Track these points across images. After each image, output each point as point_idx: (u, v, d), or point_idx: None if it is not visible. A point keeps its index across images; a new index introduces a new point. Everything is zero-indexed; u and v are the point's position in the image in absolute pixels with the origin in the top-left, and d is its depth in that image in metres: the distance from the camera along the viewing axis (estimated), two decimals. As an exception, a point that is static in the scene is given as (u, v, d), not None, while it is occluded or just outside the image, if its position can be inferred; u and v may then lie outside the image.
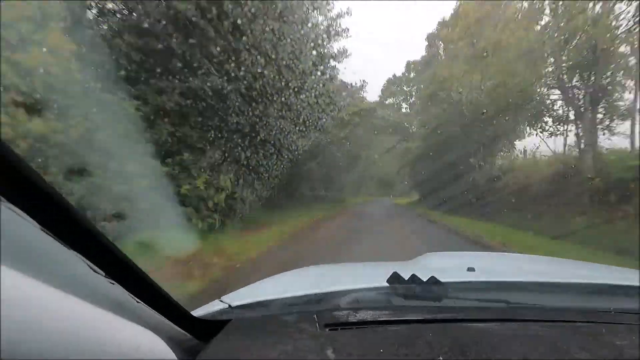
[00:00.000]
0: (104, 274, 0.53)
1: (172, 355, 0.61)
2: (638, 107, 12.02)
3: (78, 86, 5.02)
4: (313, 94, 10.04)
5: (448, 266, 1.74)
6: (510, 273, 1.43)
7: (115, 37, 6.61)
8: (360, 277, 1.38)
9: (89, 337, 0.46)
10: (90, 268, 0.51)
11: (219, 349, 0.68)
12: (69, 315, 0.44)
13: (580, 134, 12.56)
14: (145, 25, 6.69)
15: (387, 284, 1.01)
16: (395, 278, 0.98)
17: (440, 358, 0.63)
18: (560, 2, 12.14)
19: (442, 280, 1.05)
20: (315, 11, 10.35)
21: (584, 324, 0.83)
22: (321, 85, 10.53)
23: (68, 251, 0.48)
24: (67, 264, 0.49)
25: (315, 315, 0.84)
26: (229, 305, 0.89)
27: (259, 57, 8.46)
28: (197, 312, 0.87)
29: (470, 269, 1.16)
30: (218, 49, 7.73)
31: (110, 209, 4.95)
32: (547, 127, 14.74)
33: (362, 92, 23.08)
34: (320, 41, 9.96)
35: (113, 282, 0.55)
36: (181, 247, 5.34)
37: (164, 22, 6.82)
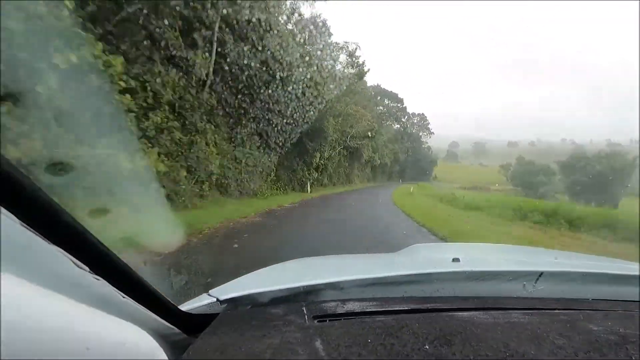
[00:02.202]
0: (88, 269, 0.52)
1: (160, 350, 0.61)
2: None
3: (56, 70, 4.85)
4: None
5: (434, 257, 1.77)
6: (493, 263, 1.46)
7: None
8: (347, 269, 1.39)
9: (73, 333, 0.45)
10: (74, 264, 0.50)
11: (207, 343, 0.68)
12: (52, 312, 0.43)
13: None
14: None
15: (374, 276, 1.02)
16: (382, 270, 1.00)
17: (427, 347, 0.65)
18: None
19: (428, 271, 1.07)
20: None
21: (562, 311, 0.86)
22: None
23: (50, 247, 0.47)
24: (49, 260, 0.47)
25: (303, 308, 0.84)
26: (217, 299, 0.88)
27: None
28: (185, 307, 0.86)
29: (455, 260, 1.19)
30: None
31: (93, 203, 4.84)
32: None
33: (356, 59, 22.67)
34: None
35: (98, 277, 0.54)
36: (166, 240, 5.28)
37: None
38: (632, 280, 1.14)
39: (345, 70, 20.33)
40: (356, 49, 22.01)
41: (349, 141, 27.01)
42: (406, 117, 66.30)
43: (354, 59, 22.75)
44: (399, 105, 63.14)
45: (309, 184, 20.13)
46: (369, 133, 29.25)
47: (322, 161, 22.09)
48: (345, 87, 18.23)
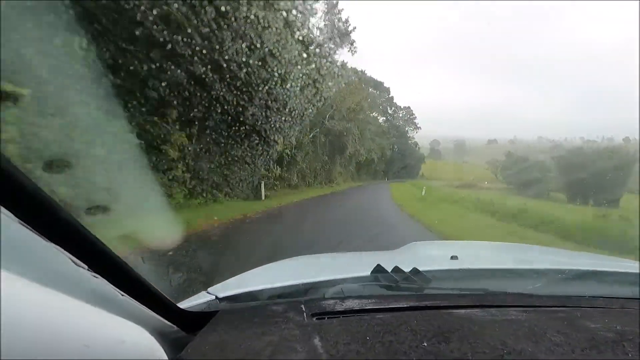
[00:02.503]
0: (86, 267, 0.52)
1: (159, 348, 0.61)
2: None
3: (58, 73, 4.82)
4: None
5: (433, 255, 1.78)
6: (491, 261, 1.47)
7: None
8: (346, 267, 1.39)
9: (71, 331, 0.45)
10: (72, 262, 0.50)
11: (206, 341, 0.68)
12: (51, 310, 0.43)
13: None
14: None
15: (373, 274, 1.02)
16: (380, 268, 1.00)
17: (424, 344, 0.65)
18: None
19: (427, 268, 1.07)
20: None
21: (559, 308, 0.86)
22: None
23: (48, 245, 0.47)
24: (48, 258, 0.47)
25: (302, 305, 0.84)
26: (216, 297, 0.89)
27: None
28: (184, 304, 0.86)
29: (454, 257, 1.19)
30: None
31: (91, 201, 4.82)
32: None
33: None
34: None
35: (97, 275, 0.54)
36: (165, 237, 5.27)
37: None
38: (629, 278, 1.14)
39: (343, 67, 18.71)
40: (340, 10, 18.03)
41: (328, 122, 20.41)
42: (393, 108, 60.90)
43: (334, 16, 17.99)
44: (385, 95, 57.54)
45: (262, 185, 12.86)
46: (355, 106, 24.08)
47: (288, 150, 15.22)
48: (344, 85, 17.58)
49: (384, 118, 56.98)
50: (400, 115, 62.69)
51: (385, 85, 57.50)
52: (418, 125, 65.89)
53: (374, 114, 49.03)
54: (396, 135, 56.31)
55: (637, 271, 1.17)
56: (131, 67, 6.78)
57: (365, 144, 34.25)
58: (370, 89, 48.97)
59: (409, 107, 65.51)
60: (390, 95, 59.36)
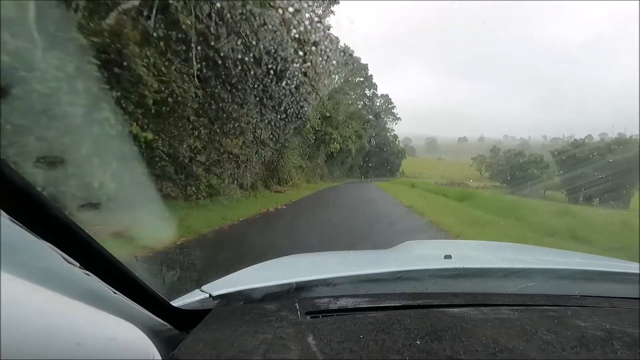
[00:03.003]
0: (78, 265, 0.52)
1: (151, 346, 0.61)
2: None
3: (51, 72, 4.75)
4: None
5: (426, 254, 1.79)
6: (484, 260, 1.48)
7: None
8: (340, 265, 1.39)
9: (63, 329, 0.45)
10: (64, 259, 0.50)
11: (199, 339, 0.68)
12: (41, 308, 0.43)
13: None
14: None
15: (366, 272, 1.03)
16: (375, 266, 1.01)
17: (417, 342, 0.66)
18: None
19: (420, 267, 1.08)
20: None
21: (551, 307, 0.87)
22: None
23: (39, 242, 0.46)
24: (38, 256, 0.47)
25: (296, 304, 0.84)
26: (210, 295, 0.88)
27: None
28: (177, 302, 0.86)
29: (447, 257, 1.20)
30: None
31: (84, 198, 4.77)
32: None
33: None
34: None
35: (89, 273, 0.54)
36: (159, 235, 5.23)
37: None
38: (619, 277, 1.16)
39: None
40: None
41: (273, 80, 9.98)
42: (372, 90, 48.86)
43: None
44: (363, 73, 44.46)
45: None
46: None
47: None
48: (338, 85, 17.23)
49: (362, 102, 46.56)
50: (378, 104, 52.90)
51: (363, 61, 43.60)
52: (398, 116, 55.53)
53: (349, 91, 38.52)
54: (374, 125, 47.22)
55: (626, 270, 1.18)
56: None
57: (340, 128, 26.29)
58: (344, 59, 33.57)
59: (387, 95, 55.00)
60: (369, 73, 46.86)
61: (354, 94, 40.41)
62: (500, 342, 0.66)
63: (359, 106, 43.99)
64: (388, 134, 53.66)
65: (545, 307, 0.87)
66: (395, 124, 55.20)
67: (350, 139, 31.58)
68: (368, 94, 49.62)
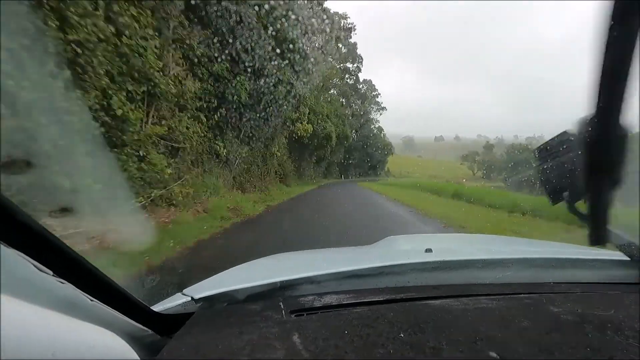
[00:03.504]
0: (51, 273, 0.50)
1: (132, 352, 0.59)
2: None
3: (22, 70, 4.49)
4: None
5: (407, 248, 1.82)
6: (464, 252, 1.52)
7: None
8: (324, 263, 1.40)
9: (37, 340, 0.43)
10: (36, 267, 0.48)
11: (182, 343, 0.67)
12: (13, 319, 0.41)
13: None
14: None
15: (350, 268, 1.03)
16: (358, 262, 1.02)
17: (401, 335, 0.67)
18: None
19: (402, 262, 1.09)
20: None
21: (526, 295, 0.91)
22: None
23: (9, 250, 0.44)
24: (9, 265, 0.45)
25: (280, 303, 0.84)
26: (192, 298, 0.87)
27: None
28: (158, 307, 0.84)
29: (428, 250, 1.22)
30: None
31: (55, 203, 4.57)
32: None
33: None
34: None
35: (63, 281, 0.52)
36: (135, 238, 5.07)
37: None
38: (588, 264, 1.22)
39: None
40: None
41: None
42: (357, 62, 39.22)
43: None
44: (347, 41, 32.29)
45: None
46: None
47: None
48: (319, 82, 16.59)
49: (342, 73, 37.03)
50: (362, 90, 44.42)
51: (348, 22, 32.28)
52: (382, 105, 47.33)
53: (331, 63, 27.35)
54: (357, 113, 39.91)
55: (595, 257, 1.24)
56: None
57: (315, 105, 18.47)
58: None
59: (370, 81, 47.27)
60: (353, 40, 34.73)
61: (331, 58, 25.76)
62: (480, 331, 0.68)
63: (338, 77, 31.85)
64: (372, 126, 45.65)
65: (522, 295, 0.90)
66: (380, 114, 47.38)
67: (330, 119, 21.59)
68: (351, 68, 38.32)
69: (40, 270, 0.49)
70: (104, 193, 5.38)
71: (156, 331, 0.74)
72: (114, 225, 5.01)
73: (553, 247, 1.77)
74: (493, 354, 0.61)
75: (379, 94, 47.25)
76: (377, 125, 48.15)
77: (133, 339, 0.66)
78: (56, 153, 4.81)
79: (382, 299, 0.87)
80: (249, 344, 0.64)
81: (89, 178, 5.11)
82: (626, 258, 1.06)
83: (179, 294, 0.92)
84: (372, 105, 47.42)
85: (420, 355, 0.61)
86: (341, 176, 38.26)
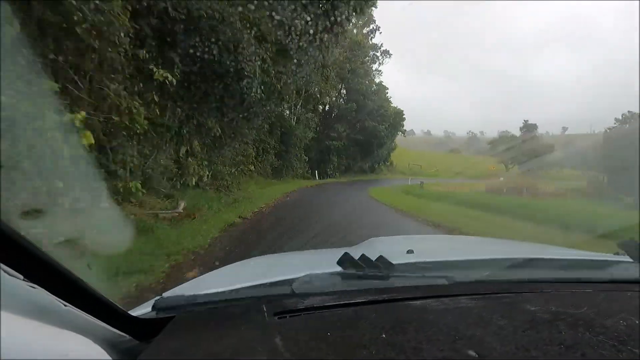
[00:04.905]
0: (22, 277, 0.48)
1: (109, 358, 0.57)
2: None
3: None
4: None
5: (389, 250, 1.84)
6: (444, 253, 1.55)
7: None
8: (307, 265, 1.40)
9: (8, 348, 0.41)
10: (5, 272, 0.46)
11: (161, 348, 0.65)
12: None
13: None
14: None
15: (333, 270, 1.04)
16: (340, 264, 1.02)
17: (383, 336, 0.68)
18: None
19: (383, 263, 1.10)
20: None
21: (504, 295, 0.93)
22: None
23: None
24: None
25: (263, 305, 0.83)
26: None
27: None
28: (136, 312, 0.82)
29: (410, 252, 1.24)
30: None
31: (26, 204, 4.37)
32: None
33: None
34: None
35: (34, 285, 0.50)
36: (112, 240, 4.90)
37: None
38: (562, 263, 1.27)
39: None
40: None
41: None
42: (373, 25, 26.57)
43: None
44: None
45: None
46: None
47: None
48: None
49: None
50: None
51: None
52: (384, 48, 29.78)
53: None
54: (351, 70, 24.57)
55: (569, 257, 1.30)
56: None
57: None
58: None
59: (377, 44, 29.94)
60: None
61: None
62: (459, 330, 0.70)
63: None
64: (369, 80, 27.94)
65: (499, 295, 0.93)
66: (380, 63, 30.18)
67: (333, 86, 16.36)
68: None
69: (10, 274, 0.47)
70: (77, 192, 5.19)
71: (134, 336, 0.71)
72: (89, 226, 4.84)
73: (529, 247, 1.83)
74: (472, 353, 0.62)
75: (387, 51, 30.10)
76: (377, 80, 28.11)
77: (110, 345, 0.64)
78: (28, 152, 4.61)
79: (364, 300, 0.88)
80: (229, 348, 0.63)
81: (61, 177, 4.92)
82: (599, 258, 1.10)
83: (159, 297, 0.89)
84: (373, 62, 28.93)
85: (402, 355, 0.61)
86: (315, 173, 22.54)
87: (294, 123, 21.26)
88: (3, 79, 4.36)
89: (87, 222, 4.99)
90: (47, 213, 4.47)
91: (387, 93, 30.85)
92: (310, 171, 23.63)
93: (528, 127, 60.25)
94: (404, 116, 31.94)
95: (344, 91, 25.57)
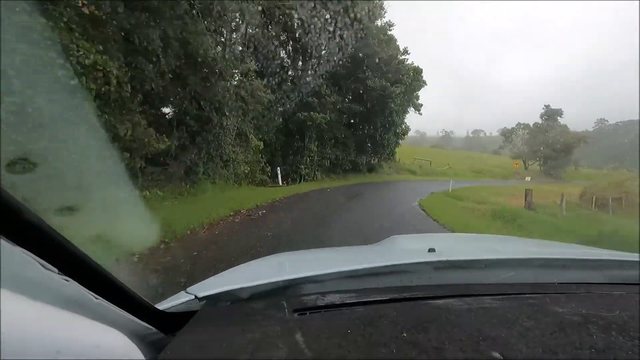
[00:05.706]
0: (57, 270, 0.50)
1: (136, 350, 0.59)
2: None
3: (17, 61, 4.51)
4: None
5: (411, 248, 1.82)
6: (467, 252, 1.52)
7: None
8: (327, 262, 1.40)
9: (42, 338, 0.43)
10: (41, 265, 0.48)
11: (185, 341, 0.67)
12: (19, 316, 0.41)
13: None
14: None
15: (353, 268, 1.03)
16: (361, 261, 1.02)
17: (404, 335, 0.67)
18: None
19: (405, 261, 1.09)
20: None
21: (531, 295, 0.90)
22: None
23: (15, 249, 0.45)
24: (15, 263, 0.45)
25: (283, 302, 0.84)
26: (195, 297, 0.87)
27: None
28: (162, 305, 0.84)
29: (431, 250, 1.22)
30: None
31: (60, 201, 4.58)
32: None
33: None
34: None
35: (68, 278, 0.52)
36: (140, 236, 5.07)
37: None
38: (592, 264, 1.21)
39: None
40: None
41: None
42: None
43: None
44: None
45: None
46: None
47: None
48: None
49: None
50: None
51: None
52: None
53: None
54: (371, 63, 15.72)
55: (599, 257, 1.24)
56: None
57: None
58: None
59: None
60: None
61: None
62: (483, 331, 0.68)
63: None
64: (374, 43, 17.07)
65: (525, 295, 0.90)
66: (390, 28, 19.58)
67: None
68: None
69: (45, 268, 0.49)
70: (110, 191, 5.39)
71: (160, 329, 0.74)
72: (119, 223, 5.03)
73: (556, 248, 1.76)
74: (496, 354, 0.60)
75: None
76: (383, 41, 18.38)
77: (137, 337, 0.66)
78: (62, 152, 4.83)
79: (385, 298, 0.87)
80: (251, 343, 0.64)
81: (94, 176, 5.13)
82: (631, 259, 1.05)
83: (183, 292, 0.92)
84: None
85: (423, 354, 0.61)
86: (277, 175, 14.24)
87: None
88: (42, 85, 4.59)
89: (117, 218, 5.17)
90: (80, 210, 4.67)
91: (392, 91, 17.70)
92: (269, 170, 13.82)
93: (550, 114, 46.16)
94: (423, 77, 20.45)
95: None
